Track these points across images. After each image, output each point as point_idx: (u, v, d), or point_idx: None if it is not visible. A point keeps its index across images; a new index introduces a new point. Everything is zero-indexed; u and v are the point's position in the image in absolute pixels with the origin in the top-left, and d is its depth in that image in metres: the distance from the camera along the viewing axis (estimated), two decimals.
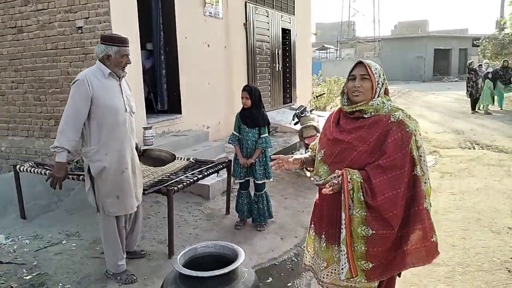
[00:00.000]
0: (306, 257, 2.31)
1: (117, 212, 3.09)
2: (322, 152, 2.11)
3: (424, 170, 1.95)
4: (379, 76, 2.01)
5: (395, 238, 1.93)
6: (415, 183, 1.93)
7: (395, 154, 1.90)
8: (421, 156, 1.95)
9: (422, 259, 1.98)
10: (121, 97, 3.00)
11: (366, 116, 2.00)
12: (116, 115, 2.94)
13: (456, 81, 30.00)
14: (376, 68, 2.01)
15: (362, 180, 1.91)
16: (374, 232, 1.91)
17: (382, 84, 2.03)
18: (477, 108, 13.17)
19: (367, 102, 1.99)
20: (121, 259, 3.21)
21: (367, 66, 1.99)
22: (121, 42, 2.87)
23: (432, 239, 1.97)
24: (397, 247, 1.96)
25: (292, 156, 2.32)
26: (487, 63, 14.60)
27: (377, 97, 2.01)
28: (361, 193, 1.90)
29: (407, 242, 1.95)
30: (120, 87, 3.01)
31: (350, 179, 1.90)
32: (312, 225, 2.24)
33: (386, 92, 2.07)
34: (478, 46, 22.96)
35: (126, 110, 3.00)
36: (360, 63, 2.03)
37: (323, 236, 2.12)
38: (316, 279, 2.21)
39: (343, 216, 1.93)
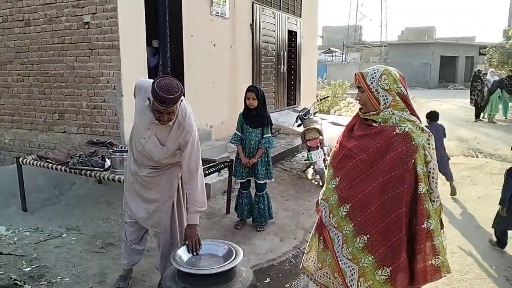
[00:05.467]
0: (304, 256, 2.33)
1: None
2: (331, 155, 2.14)
3: (432, 187, 1.87)
4: (378, 85, 1.88)
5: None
6: (417, 201, 1.86)
7: (396, 170, 1.83)
8: (429, 172, 1.86)
9: (416, 280, 1.93)
10: (143, 128, 2.64)
11: (375, 124, 1.94)
12: (136, 132, 2.75)
13: (461, 88, 29.89)
14: (373, 77, 1.90)
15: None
16: (392, 268, 1.85)
17: (385, 94, 1.89)
18: (481, 116, 13.13)
19: (378, 112, 1.91)
20: (124, 256, 3.10)
21: (359, 77, 1.92)
22: (155, 97, 2.36)
23: (429, 262, 1.90)
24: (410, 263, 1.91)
25: None
26: (493, 72, 14.56)
27: (387, 108, 1.89)
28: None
29: (415, 261, 1.90)
30: (150, 123, 2.59)
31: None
32: (314, 225, 2.25)
33: (405, 99, 1.92)
34: (485, 54, 22.91)
35: (140, 142, 2.67)
36: (356, 73, 1.97)
37: (321, 238, 2.14)
38: (311, 278, 2.23)
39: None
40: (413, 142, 1.83)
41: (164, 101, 2.35)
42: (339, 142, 2.09)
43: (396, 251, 1.85)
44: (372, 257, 1.87)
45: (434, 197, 1.89)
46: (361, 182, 1.91)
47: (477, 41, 37.52)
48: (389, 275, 1.86)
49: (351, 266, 1.93)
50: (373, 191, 1.87)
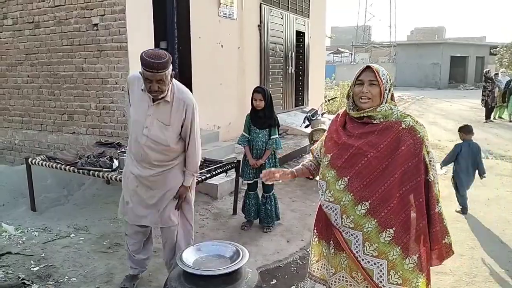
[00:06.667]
0: (311, 265, 2.28)
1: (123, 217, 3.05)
2: (329, 156, 2.06)
3: (434, 175, 1.97)
4: (387, 82, 1.97)
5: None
6: (429, 188, 1.95)
7: (409, 162, 1.90)
8: (431, 161, 1.96)
9: (434, 260, 2.03)
10: (143, 117, 2.68)
11: (375, 121, 1.97)
12: (135, 128, 2.76)
13: (472, 89, 29.60)
14: (384, 74, 1.97)
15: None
16: (418, 256, 1.95)
17: (389, 89, 1.99)
18: (492, 117, 12.99)
19: (375, 108, 1.96)
20: (130, 265, 3.14)
21: (376, 72, 1.95)
22: (144, 64, 2.46)
23: (443, 241, 2.00)
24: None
25: (282, 171, 2.32)
26: (504, 72, 14.40)
27: (385, 103, 1.97)
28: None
29: (432, 243, 2.01)
30: (149, 108, 2.66)
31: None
32: (315, 231, 2.21)
33: (392, 98, 2.03)
34: (496, 54, 22.67)
35: (143, 133, 2.69)
36: (368, 68, 1.99)
37: (331, 242, 2.09)
38: (324, 285, 2.21)
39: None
40: (419, 135, 1.93)
41: (152, 65, 2.44)
42: (338, 142, 2.04)
43: (420, 238, 1.95)
44: (399, 247, 1.93)
45: (435, 183, 1.99)
46: (378, 178, 1.93)
47: (488, 41, 37.24)
48: (416, 262, 1.94)
49: (379, 263, 1.94)
50: (392, 184, 1.91)
